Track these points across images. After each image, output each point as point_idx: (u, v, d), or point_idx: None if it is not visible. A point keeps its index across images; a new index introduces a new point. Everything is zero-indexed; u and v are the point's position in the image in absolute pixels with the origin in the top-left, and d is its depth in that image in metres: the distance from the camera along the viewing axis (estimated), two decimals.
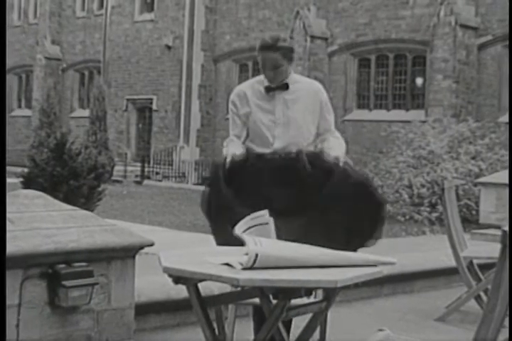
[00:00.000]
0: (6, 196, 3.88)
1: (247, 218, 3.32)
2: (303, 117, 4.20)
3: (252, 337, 3.68)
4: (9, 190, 4.19)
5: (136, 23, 27.53)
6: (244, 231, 3.24)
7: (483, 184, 11.01)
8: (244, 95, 4.20)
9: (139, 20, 27.45)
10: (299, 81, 4.24)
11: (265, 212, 3.40)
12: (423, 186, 13.55)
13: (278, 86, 4.16)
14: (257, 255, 2.90)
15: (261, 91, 4.17)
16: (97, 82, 24.42)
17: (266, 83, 4.18)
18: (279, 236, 3.33)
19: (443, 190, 5.73)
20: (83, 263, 3.63)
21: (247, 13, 23.95)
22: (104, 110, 23.05)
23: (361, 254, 3.22)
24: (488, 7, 18.05)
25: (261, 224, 3.31)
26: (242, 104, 4.19)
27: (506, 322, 3.46)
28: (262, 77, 4.21)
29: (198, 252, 3.48)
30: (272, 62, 4.06)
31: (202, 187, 4.51)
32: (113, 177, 21.43)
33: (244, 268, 2.91)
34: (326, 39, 21.57)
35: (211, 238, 3.90)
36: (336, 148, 4.20)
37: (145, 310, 4.69)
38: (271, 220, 3.34)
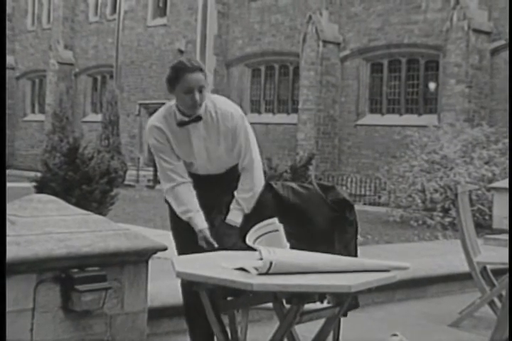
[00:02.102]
0: (18, 200, 3.89)
1: (257, 226, 3.31)
2: (224, 148, 4.00)
3: None
4: (22, 195, 4.20)
5: (149, 27, 27.59)
6: (255, 240, 3.24)
7: (497, 189, 10.97)
8: (156, 129, 3.98)
9: (152, 25, 27.52)
10: (210, 107, 3.96)
11: (274, 220, 3.39)
12: (436, 191, 13.50)
13: (191, 119, 3.93)
14: (271, 263, 2.90)
15: (174, 124, 3.96)
16: (110, 87, 24.48)
17: (179, 117, 3.94)
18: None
19: (456, 195, 5.71)
20: (96, 268, 3.64)
21: (260, 18, 23.96)
22: (116, 114, 23.11)
23: (374, 260, 3.21)
24: (501, 11, 17.99)
25: (271, 232, 3.30)
26: (161, 137, 3.97)
27: None
28: (172, 108, 3.97)
29: (210, 257, 3.48)
30: (199, 83, 3.82)
31: None
32: (125, 182, 21.48)
33: (259, 274, 2.91)
34: (338, 44, 21.56)
35: None
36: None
37: (158, 314, 4.69)
38: (281, 227, 3.34)
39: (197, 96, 3.81)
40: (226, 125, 3.93)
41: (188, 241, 3.89)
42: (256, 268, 2.94)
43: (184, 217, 3.90)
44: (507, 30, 17.79)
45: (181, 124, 3.92)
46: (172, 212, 4.02)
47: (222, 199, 3.97)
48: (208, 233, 3.84)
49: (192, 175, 3.99)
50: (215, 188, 3.97)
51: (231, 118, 3.93)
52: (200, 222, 3.88)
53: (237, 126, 3.94)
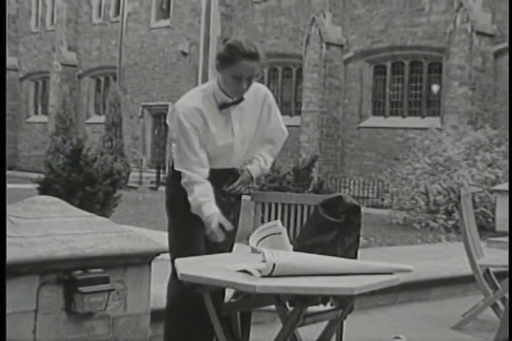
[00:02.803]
0: (22, 202, 3.89)
1: (260, 228, 3.31)
2: (254, 130, 3.88)
3: None
4: (25, 196, 4.20)
5: (152, 29, 27.62)
6: (258, 242, 3.24)
7: (500, 191, 10.96)
8: (196, 111, 3.69)
9: (155, 27, 27.55)
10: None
11: (278, 222, 3.39)
12: (439, 193, 13.49)
13: (234, 101, 3.74)
14: (274, 265, 2.89)
15: (214, 107, 3.73)
16: (113, 88, 24.49)
17: (222, 98, 3.72)
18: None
19: (459, 197, 5.70)
20: (99, 270, 3.64)
21: (263, 20, 23.98)
22: (119, 116, 23.13)
23: (376, 262, 3.20)
24: (504, 14, 17.97)
25: (274, 234, 3.29)
26: (199, 122, 3.69)
27: None
28: (211, 89, 3.74)
29: (213, 258, 3.48)
30: (251, 72, 3.62)
31: None
32: (128, 184, 21.48)
33: (263, 276, 2.91)
34: (341, 46, 21.57)
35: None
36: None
37: (161, 316, 4.69)
38: (284, 230, 3.33)
39: (244, 85, 3.63)
40: (263, 102, 3.83)
41: (190, 241, 3.78)
42: (259, 271, 2.94)
43: (195, 203, 3.63)
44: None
45: (223, 106, 3.71)
46: (179, 208, 3.78)
47: (229, 200, 3.87)
48: (221, 217, 3.59)
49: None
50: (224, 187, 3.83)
51: (266, 95, 3.86)
52: (211, 206, 3.62)
53: (272, 102, 3.89)
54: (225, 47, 3.63)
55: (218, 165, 3.76)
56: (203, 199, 3.62)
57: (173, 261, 3.64)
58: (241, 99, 3.72)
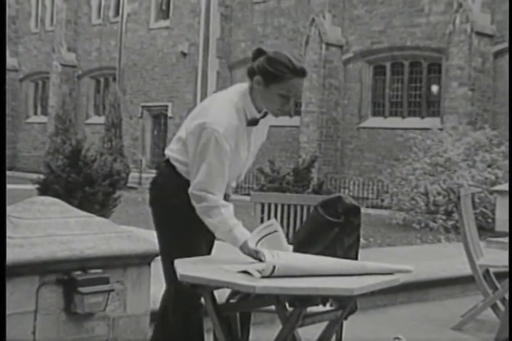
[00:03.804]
0: (22, 202, 3.89)
1: (257, 229, 3.30)
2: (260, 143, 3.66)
3: None
4: (25, 197, 4.20)
5: (152, 30, 27.62)
6: (257, 242, 3.24)
7: (499, 192, 10.97)
8: (235, 130, 3.35)
9: (155, 28, 27.55)
10: None
11: (273, 221, 3.38)
12: (439, 194, 13.49)
13: (262, 116, 3.47)
14: (274, 266, 2.90)
15: (243, 123, 3.41)
16: (113, 89, 24.47)
17: (253, 113, 3.42)
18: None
19: (459, 197, 5.71)
20: (99, 270, 3.64)
21: (263, 21, 23.98)
22: (119, 117, 23.11)
23: (376, 263, 3.20)
24: (504, 14, 17.97)
25: (270, 233, 3.29)
26: (234, 141, 3.35)
27: None
28: (242, 103, 3.39)
29: (213, 259, 3.48)
30: (300, 90, 3.37)
31: None
32: (128, 184, 21.47)
33: (262, 277, 2.91)
34: (341, 46, 21.56)
35: (225, 245, 3.85)
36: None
37: None
38: (279, 228, 3.32)
39: (291, 103, 3.36)
40: (270, 118, 3.57)
41: (190, 248, 3.52)
42: (259, 271, 2.94)
43: (224, 228, 3.31)
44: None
45: (253, 123, 3.42)
46: (180, 213, 3.49)
47: None
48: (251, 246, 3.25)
49: None
50: None
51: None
52: (244, 230, 3.32)
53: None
54: (270, 62, 3.30)
55: (229, 180, 3.49)
56: (234, 222, 3.33)
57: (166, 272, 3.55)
58: (265, 114, 3.46)
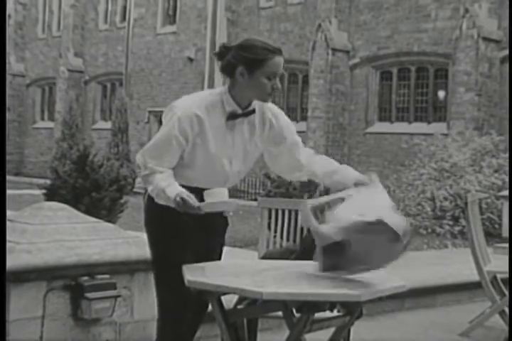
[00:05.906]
0: (29, 208, 3.90)
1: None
2: (257, 151, 3.54)
3: None
4: (32, 202, 4.21)
5: (159, 35, 27.67)
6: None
7: (506, 197, 10.92)
8: (196, 119, 3.30)
9: (161, 33, 27.60)
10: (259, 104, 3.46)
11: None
12: (446, 199, 13.47)
13: (244, 112, 3.39)
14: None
15: (219, 117, 3.36)
16: (119, 94, 24.51)
17: (232, 106, 3.36)
18: None
19: (466, 203, 5.69)
20: (106, 276, 3.64)
21: (269, 26, 24.00)
22: (126, 122, 23.15)
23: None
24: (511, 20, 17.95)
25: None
26: (193, 130, 3.31)
27: None
28: (221, 96, 3.37)
29: (220, 265, 3.48)
30: (281, 68, 3.33)
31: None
32: (135, 189, 21.45)
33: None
34: (347, 52, 21.56)
35: (233, 250, 3.83)
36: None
37: None
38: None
39: (278, 81, 3.32)
40: (278, 123, 3.49)
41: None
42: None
43: (156, 190, 3.31)
44: None
45: (231, 117, 3.34)
46: (162, 218, 3.51)
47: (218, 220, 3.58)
48: (186, 193, 3.19)
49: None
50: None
51: (282, 115, 3.54)
52: (176, 187, 3.25)
53: (289, 122, 3.56)
54: (247, 49, 3.30)
55: (211, 185, 3.35)
56: (164, 183, 3.28)
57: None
58: (252, 111, 3.39)
